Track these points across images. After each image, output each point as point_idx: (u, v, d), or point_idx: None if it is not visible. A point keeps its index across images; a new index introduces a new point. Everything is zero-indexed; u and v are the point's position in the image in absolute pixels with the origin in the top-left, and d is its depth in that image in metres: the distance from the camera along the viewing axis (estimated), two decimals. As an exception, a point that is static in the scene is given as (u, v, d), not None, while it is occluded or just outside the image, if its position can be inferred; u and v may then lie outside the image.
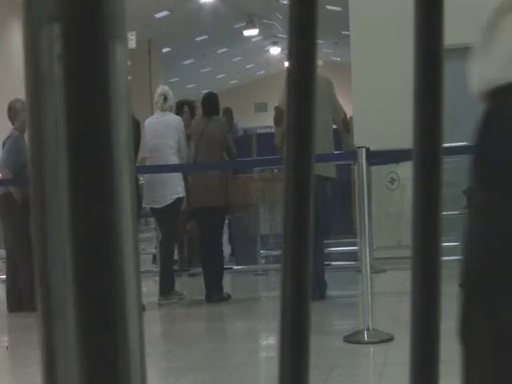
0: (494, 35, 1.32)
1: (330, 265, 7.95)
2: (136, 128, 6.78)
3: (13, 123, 7.56)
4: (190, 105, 8.79)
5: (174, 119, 7.57)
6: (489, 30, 1.33)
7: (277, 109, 7.13)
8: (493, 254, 1.25)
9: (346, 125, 7.28)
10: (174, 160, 7.38)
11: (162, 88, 7.87)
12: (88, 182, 0.39)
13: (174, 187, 7.40)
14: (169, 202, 7.35)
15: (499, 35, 1.30)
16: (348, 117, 7.60)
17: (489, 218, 1.28)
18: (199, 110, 8.49)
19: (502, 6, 1.31)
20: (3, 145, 7.57)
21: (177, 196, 7.40)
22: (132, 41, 14.41)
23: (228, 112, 10.76)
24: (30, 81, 0.40)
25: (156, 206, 7.48)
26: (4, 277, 8.01)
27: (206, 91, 8.54)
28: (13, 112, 7.44)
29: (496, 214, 1.25)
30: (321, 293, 6.90)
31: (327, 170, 6.72)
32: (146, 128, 7.57)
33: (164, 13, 23.32)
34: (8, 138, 7.48)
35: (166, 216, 7.44)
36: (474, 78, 1.38)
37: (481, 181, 1.33)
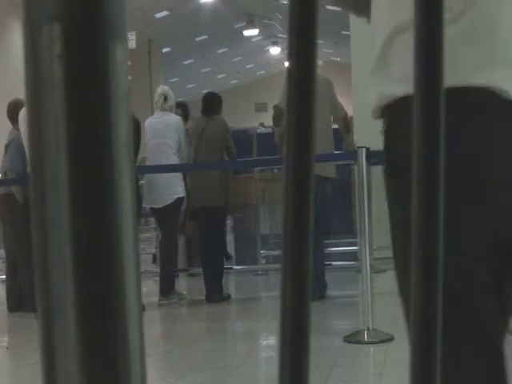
0: (389, 55, 1.53)
1: (330, 265, 7.95)
2: (136, 128, 6.79)
3: (13, 123, 7.54)
4: (184, 107, 8.80)
5: (174, 119, 7.59)
6: (384, 51, 1.54)
7: (276, 107, 7.11)
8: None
9: (347, 124, 7.28)
10: (174, 160, 7.39)
11: (162, 88, 7.88)
12: (88, 182, 0.39)
13: (173, 187, 7.40)
14: (169, 202, 7.36)
15: (394, 55, 1.51)
16: (348, 116, 7.59)
17: (389, 205, 1.63)
18: (197, 112, 8.52)
19: (396, 27, 1.51)
20: (6, 147, 7.54)
21: (177, 196, 7.40)
22: (132, 41, 14.41)
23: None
24: (29, 81, 0.40)
25: (156, 206, 7.48)
26: (4, 277, 8.01)
27: (206, 91, 8.54)
28: (14, 113, 7.41)
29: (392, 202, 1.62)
30: (321, 293, 6.90)
31: (327, 169, 6.72)
32: (146, 128, 7.58)
33: (164, 13, 23.31)
34: (11, 140, 7.46)
35: (166, 216, 7.44)
36: (372, 95, 1.61)
37: (387, 176, 1.65)
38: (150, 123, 7.61)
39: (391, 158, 1.65)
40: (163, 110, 7.56)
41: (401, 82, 1.47)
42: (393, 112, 1.57)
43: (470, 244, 1.54)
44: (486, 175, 1.51)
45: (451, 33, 1.44)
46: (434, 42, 0.40)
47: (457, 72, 1.45)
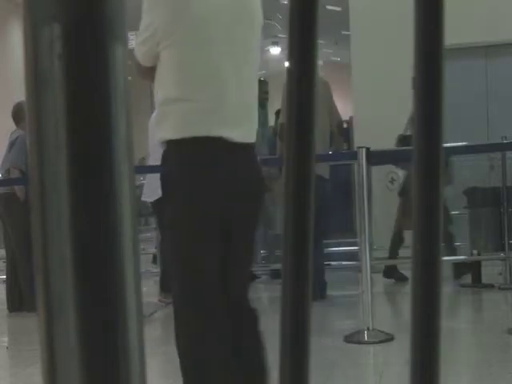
0: (163, 116, 2.69)
1: (329, 265, 7.94)
2: None
3: (16, 124, 7.57)
4: None
5: None
6: (160, 111, 2.71)
7: (283, 125, 7.20)
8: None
9: (340, 129, 7.36)
10: None
11: None
12: (88, 182, 0.39)
13: None
14: (160, 195, 7.32)
15: (165, 116, 2.67)
16: (342, 120, 7.67)
17: (165, 213, 2.74)
18: None
19: (163, 99, 2.70)
20: (11, 145, 7.55)
21: None
22: (132, 41, 14.42)
23: None
24: (30, 81, 0.40)
25: (149, 200, 7.46)
26: (4, 277, 8.00)
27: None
28: (19, 115, 7.44)
29: (166, 209, 2.70)
30: (321, 292, 6.91)
31: (321, 168, 6.74)
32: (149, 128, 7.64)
33: (164, 13, 23.31)
34: (16, 138, 7.48)
35: (161, 210, 7.40)
36: (158, 136, 2.73)
37: (163, 193, 2.73)
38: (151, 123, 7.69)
39: (163, 173, 2.72)
40: None
41: (168, 130, 2.64)
42: (168, 146, 2.68)
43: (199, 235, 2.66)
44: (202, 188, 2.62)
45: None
46: (434, 42, 0.40)
47: (195, 127, 2.64)
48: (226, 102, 2.68)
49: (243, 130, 2.73)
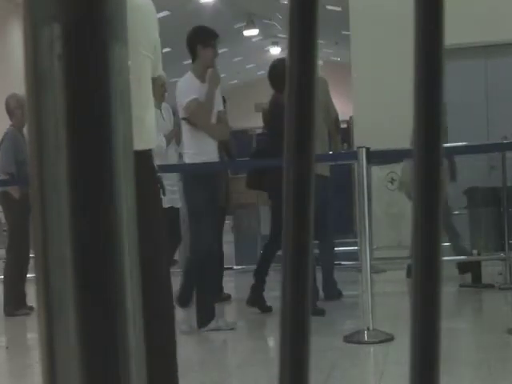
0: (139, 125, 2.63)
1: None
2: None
3: (11, 118, 7.55)
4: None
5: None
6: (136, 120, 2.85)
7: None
8: None
9: (337, 126, 7.35)
10: (171, 154, 7.45)
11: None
12: (88, 182, 0.39)
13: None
14: None
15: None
16: (339, 117, 7.65)
17: None
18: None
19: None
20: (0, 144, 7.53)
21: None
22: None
23: None
24: (30, 81, 0.40)
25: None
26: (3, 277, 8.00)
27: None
28: (7, 109, 7.44)
29: None
30: (334, 292, 6.99)
31: (320, 167, 6.73)
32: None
33: (164, 13, 23.29)
34: (3, 138, 7.45)
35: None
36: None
37: None
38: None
39: None
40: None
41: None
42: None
43: None
44: None
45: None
46: (434, 42, 0.40)
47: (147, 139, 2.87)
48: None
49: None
